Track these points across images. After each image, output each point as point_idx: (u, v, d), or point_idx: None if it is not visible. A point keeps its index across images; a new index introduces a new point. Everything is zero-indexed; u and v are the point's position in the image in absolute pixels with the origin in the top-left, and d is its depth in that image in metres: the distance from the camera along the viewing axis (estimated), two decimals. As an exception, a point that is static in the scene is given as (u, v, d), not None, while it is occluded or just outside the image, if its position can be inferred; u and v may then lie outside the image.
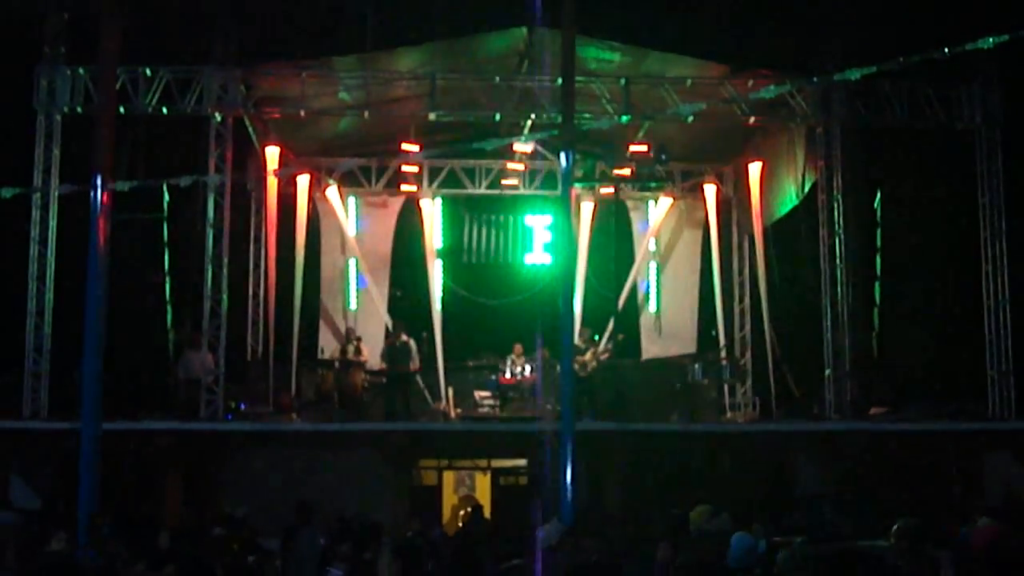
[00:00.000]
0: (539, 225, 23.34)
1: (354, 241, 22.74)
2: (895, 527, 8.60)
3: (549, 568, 9.70)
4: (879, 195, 21.36)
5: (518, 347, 20.22)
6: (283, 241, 20.80)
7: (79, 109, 18.22)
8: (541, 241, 23.30)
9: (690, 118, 18.72)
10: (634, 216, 23.85)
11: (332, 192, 22.36)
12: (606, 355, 20.03)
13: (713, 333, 22.75)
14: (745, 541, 9.32)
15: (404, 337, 20.01)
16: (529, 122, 19.84)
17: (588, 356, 19.72)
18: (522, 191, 23.01)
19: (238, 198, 20.08)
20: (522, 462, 18.97)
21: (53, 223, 18.10)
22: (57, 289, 18.00)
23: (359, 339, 20.59)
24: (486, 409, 19.94)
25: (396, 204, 23.22)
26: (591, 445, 16.29)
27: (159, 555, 8.88)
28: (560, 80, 16.04)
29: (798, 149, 20.39)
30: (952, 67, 17.55)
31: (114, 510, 13.33)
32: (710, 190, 23.11)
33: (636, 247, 23.64)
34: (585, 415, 18.29)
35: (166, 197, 20.08)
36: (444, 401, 20.52)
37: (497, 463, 19.48)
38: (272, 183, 20.50)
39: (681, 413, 19.62)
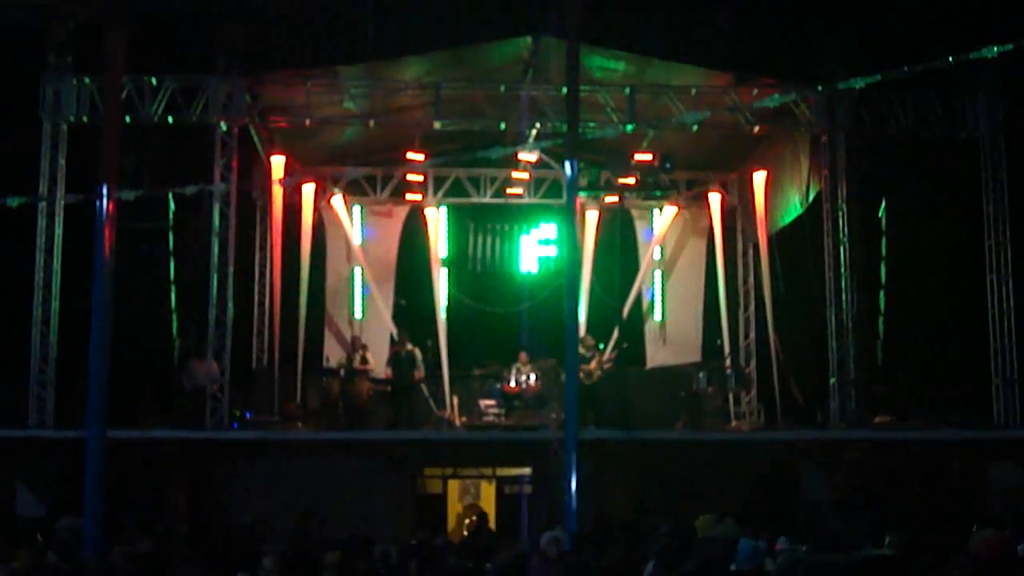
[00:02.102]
0: (544, 234, 23.38)
1: (359, 250, 22.76)
2: (887, 539, 8.60)
3: None
4: (883, 204, 21.36)
5: (523, 355, 20.26)
6: (288, 250, 20.83)
7: (85, 118, 18.24)
8: (546, 250, 23.33)
9: (695, 127, 18.74)
10: (639, 225, 23.85)
11: (337, 201, 22.40)
12: (609, 364, 20.06)
13: (718, 342, 22.75)
14: (751, 544, 9.34)
15: (409, 346, 20.05)
16: (534, 131, 19.86)
17: (593, 365, 19.74)
18: (527, 200, 23.02)
19: (243, 207, 20.11)
20: (527, 471, 18.97)
21: (59, 232, 18.14)
22: (63, 298, 18.03)
23: (365, 348, 20.62)
24: (491, 418, 19.95)
25: (401, 213, 23.24)
26: (596, 453, 16.29)
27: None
28: (565, 89, 16.07)
29: (802, 158, 20.40)
30: (957, 76, 17.64)
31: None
32: (715, 199, 23.09)
33: (641, 256, 23.62)
34: (589, 424, 18.31)
35: (172, 206, 20.11)
36: (449, 410, 20.53)
37: (502, 471, 19.48)
38: (277, 192, 20.50)
39: (686, 421, 19.63)
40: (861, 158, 19.57)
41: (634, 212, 23.61)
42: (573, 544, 10.63)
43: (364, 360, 20.32)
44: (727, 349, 22.58)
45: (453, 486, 20.02)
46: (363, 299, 22.96)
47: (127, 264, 16.54)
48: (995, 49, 10.94)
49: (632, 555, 9.09)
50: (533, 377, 20.00)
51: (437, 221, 22.76)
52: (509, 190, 22.65)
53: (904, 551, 8.40)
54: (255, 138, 19.93)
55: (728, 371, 21.53)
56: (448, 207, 23.12)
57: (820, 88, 18.29)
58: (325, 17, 18.27)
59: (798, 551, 9.57)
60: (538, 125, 19.48)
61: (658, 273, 23.90)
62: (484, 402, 20.18)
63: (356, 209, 23.04)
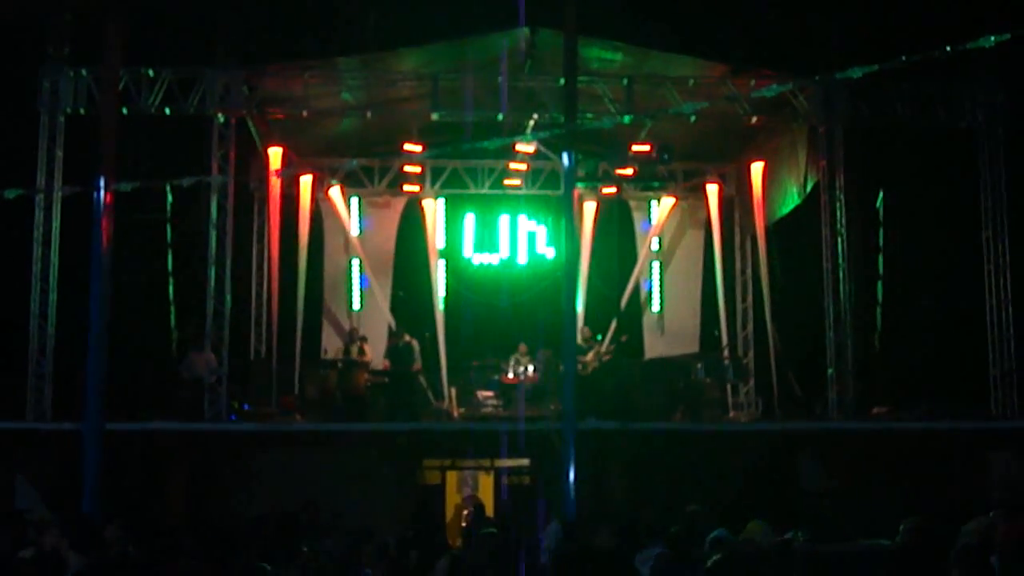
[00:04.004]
0: (542, 225, 23.38)
1: (357, 241, 22.77)
2: (905, 525, 8.58)
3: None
4: (881, 194, 21.36)
5: (523, 346, 20.30)
6: (286, 241, 20.81)
7: (82, 110, 18.20)
8: (544, 241, 23.33)
9: (692, 118, 18.73)
10: (636, 216, 23.88)
11: (335, 192, 22.39)
12: (608, 356, 20.06)
13: (716, 333, 22.75)
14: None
15: (407, 337, 20.06)
16: (531, 122, 19.85)
17: (589, 356, 19.75)
18: (525, 191, 23.03)
19: (241, 199, 20.10)
20: (525, 462, 18.97)
21: (56, 224, 18.09)
22: (60, 290, 17.98)
23: (363, 339, 20.63)
24: (489, 409, 19.96)
25: (399, 204, 23.25)
26: (594, 445, 16.29)
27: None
28: (562, 80, 16.06)
29: (800, 149, 20.39)
30: (955, 66, 17.59)
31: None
32: (712, 190, 23.11)
33: (638, 247, 23.66)
34: (586, 416, 18.32)
35: (169, 198, 20.09)
36: (447, 401, 20.55)
37: (500, 463, 19.48)
38: (275, 183, 20.49)
39: (684, 413, 19.64)
40: (859, 149, 19.55)
41: (632, 203, 23.65)
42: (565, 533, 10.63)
43: (362, 351, 20.32)
44: (725, 340, 22.59)
45: (452, 477, 20.01)
46: (361, 291, 22.96)
47: (125, 256, 16.58)
48: (992, 39, 10.90)
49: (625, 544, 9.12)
50: (531, 368, 20.03)
51: (435, 212, 22.79)
52: (507, 181, 22.67)
53: (908, 540, 8.39)
54: (252, 130, 19.91)
55: (726, 362, 21.55)
56: (446, 198, 23.12)
57: (818, 78, 18.27)
58: (323, 8, 18.25)
59: (795, 540, 9.59)
60: (536, 116, 19.47)
61: (656, 264, 23.91)
62: (482, 393, 20.19)
63: (354, 200, 23.04)
